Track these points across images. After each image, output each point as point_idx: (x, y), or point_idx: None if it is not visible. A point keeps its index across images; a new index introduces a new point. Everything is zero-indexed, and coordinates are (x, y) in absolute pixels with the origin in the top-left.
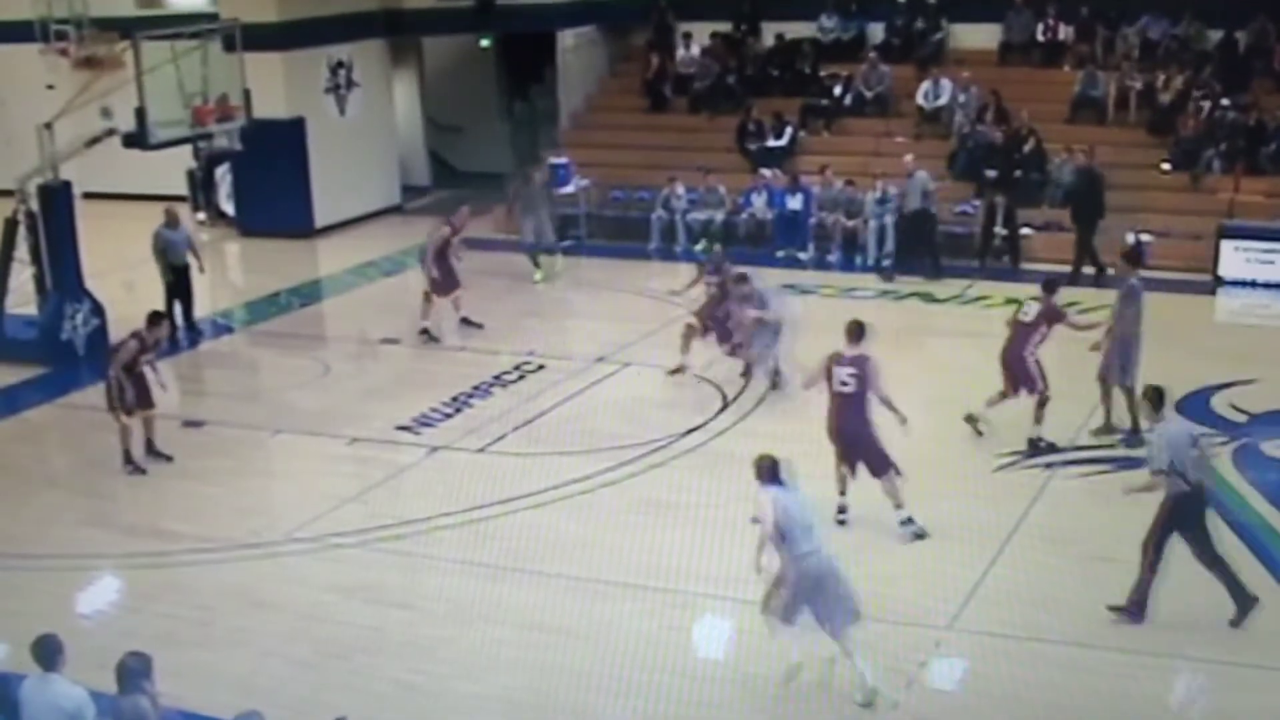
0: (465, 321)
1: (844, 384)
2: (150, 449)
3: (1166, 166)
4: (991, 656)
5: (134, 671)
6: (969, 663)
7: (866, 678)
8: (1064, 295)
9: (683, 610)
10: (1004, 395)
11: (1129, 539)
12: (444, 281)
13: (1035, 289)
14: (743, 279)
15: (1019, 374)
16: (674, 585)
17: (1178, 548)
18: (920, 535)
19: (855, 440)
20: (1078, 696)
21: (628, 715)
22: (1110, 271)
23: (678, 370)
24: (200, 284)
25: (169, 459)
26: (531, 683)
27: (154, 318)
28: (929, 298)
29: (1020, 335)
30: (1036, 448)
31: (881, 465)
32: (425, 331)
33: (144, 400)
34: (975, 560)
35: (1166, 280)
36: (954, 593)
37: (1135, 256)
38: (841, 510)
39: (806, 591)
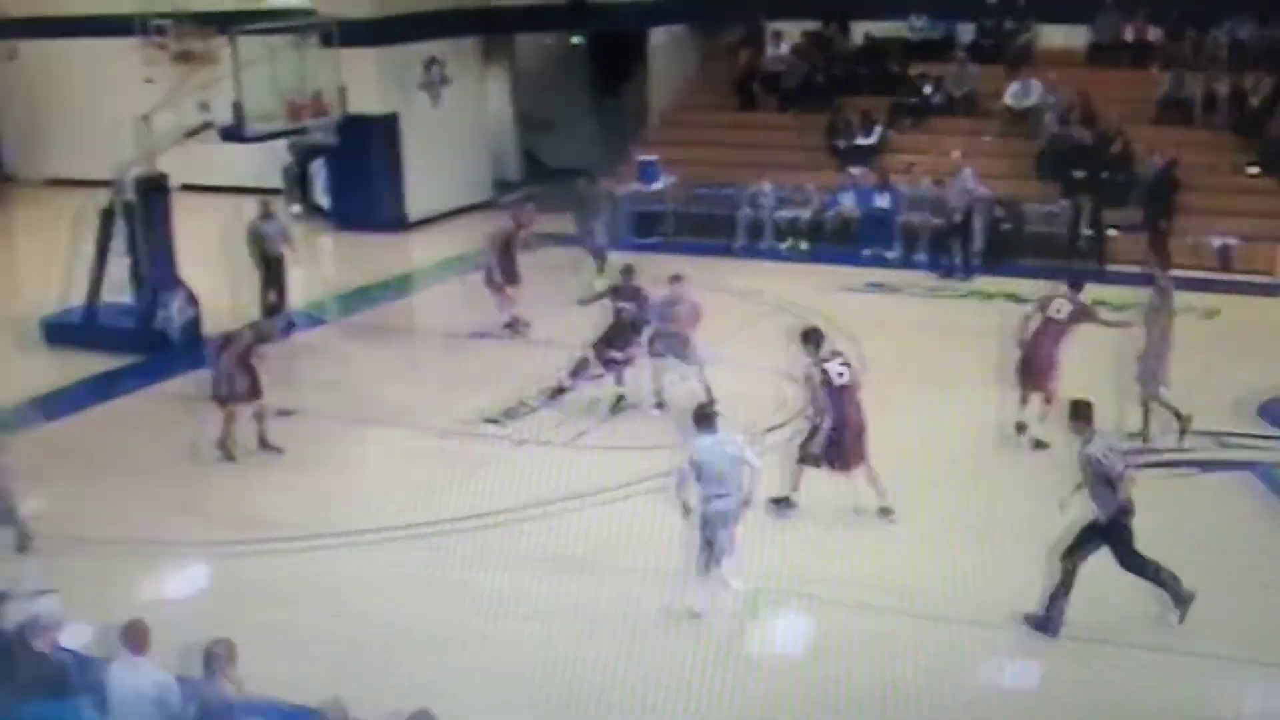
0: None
1: (840, 374)
2: (263, 443)
3: (1254, 170)
4: (1058, 656)
5: (218, 658)
6: (1042, 663)
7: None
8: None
9: (760, 605)
10: (1048, 401)
11: (1203, 542)
12: (506, 275)
13: (1131, 289)
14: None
15: (1045, 372)
16: (753, 582)
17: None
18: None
19: (854, 429)
20: (1143, 698)
21: (703, 709)
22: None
23: (621, 401)
24: (293, 276)
25: (280, 450)
26: (611, 677)
27: (270, 310)
28: (1016, 298)
29: (1053, 333)
30: (1041, 446)
31: (864, 456)
32: (511, 324)
33: (254, 391)
34: (1049, 560)
35: (1251, 284)
36: (1029, 592)
37: (1167, 257)
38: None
39: (709, 530)
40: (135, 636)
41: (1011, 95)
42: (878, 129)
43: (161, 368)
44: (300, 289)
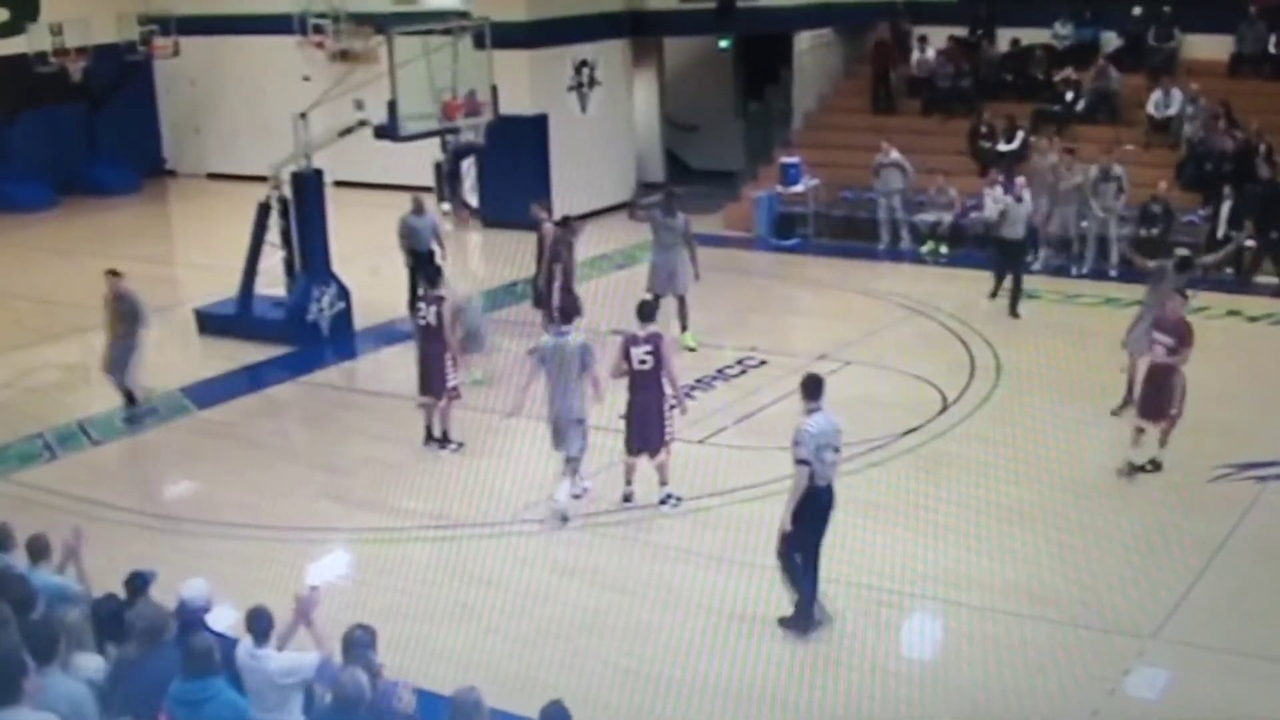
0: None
1: (641, 362)
2: (431, 436)
3: None
4: (1196, 669)
5: (359, 643)
6: (1172, 674)
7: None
8: None
9: (892, 609)
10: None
11: None
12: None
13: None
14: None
15: (1170, 394)
16: (884, 584)
17: None
18: (677, 504)
19: (651, 414)
20: None
21: (834, 710)
22: None
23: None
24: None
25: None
26: (742, 673)
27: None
28: None
29: (1167, 366)
30: (1137, 469)
31: (661, 443)
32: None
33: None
34: (1183, 569)
35: None
36: (1160, 602)
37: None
38: (628, 499)
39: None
40: (258, 622)
41: (1154, 104)
42: (1020, 134)
43: (312, 359)
44: (450, 284)
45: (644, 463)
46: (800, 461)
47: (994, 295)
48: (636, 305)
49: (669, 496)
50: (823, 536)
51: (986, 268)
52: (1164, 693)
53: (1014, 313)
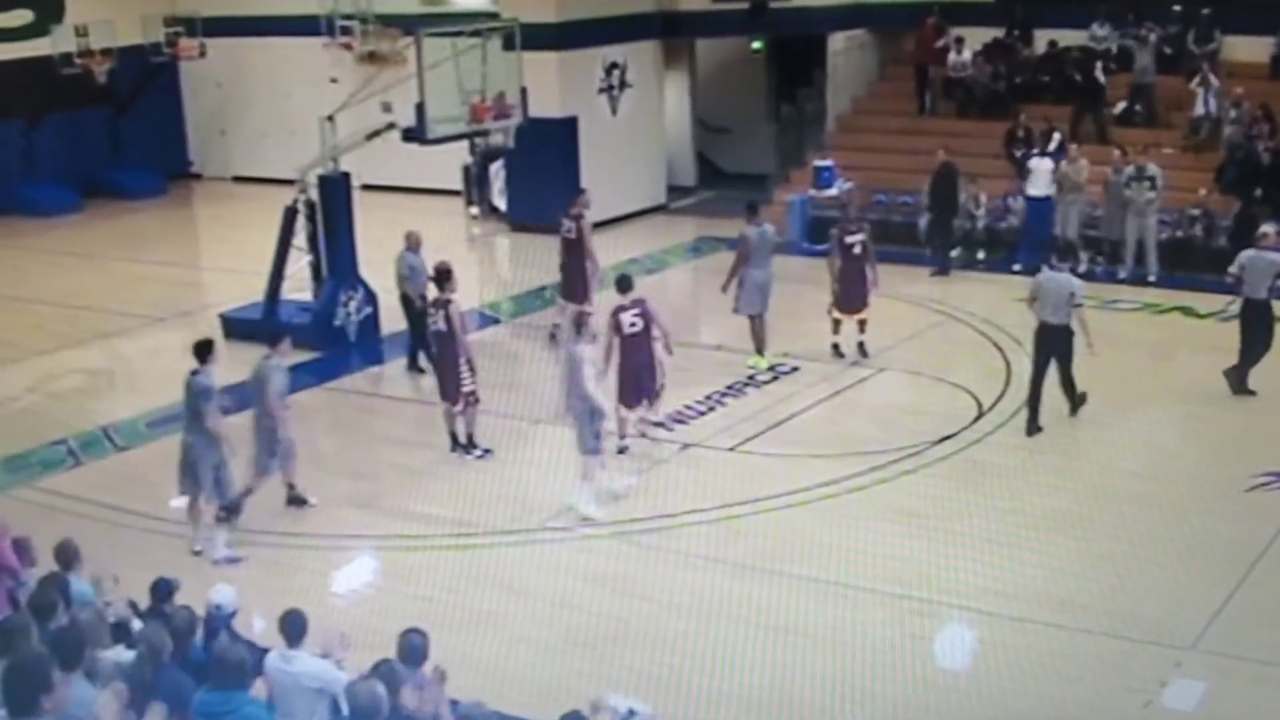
0: None
1: (632, 325)
2: (456, 442)
3: None
4: (1234, 680)
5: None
6: (1210, 685)
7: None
8: None
9: (925, 619)
10: None
11: None
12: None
13: None
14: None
15: None
16: (918, 594)
17: None
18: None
19: (642, 371)
20: None
21: None
22: None
23: None
24: (469, 276)
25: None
26: (772, 683)
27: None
28: (1189, 312)
29: None
30: None
31: (654, 390)
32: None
33: None
34: (1222, 579)
35: None
36: (1198, 612)
37: None
38: (622, 452)
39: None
40: (293, 625)
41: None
42: (1056, 137)
43: (338, 364)
44: (476, 289)
45: (636, 415)
46: (1030, 301)
47: (1240, 385)
48: (616, 279)
49: (660, 423)
50: (1047, 363)
51: (1022, 271)
52: (1202, 704)
53: (1242, 385)
